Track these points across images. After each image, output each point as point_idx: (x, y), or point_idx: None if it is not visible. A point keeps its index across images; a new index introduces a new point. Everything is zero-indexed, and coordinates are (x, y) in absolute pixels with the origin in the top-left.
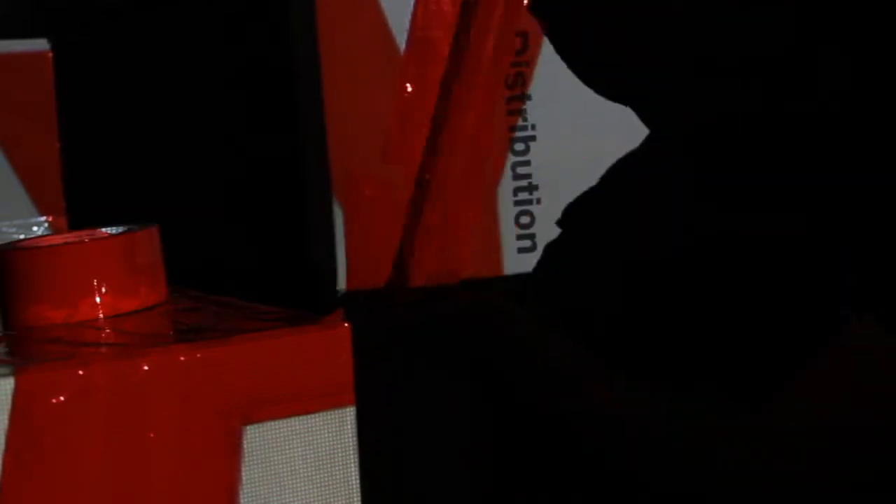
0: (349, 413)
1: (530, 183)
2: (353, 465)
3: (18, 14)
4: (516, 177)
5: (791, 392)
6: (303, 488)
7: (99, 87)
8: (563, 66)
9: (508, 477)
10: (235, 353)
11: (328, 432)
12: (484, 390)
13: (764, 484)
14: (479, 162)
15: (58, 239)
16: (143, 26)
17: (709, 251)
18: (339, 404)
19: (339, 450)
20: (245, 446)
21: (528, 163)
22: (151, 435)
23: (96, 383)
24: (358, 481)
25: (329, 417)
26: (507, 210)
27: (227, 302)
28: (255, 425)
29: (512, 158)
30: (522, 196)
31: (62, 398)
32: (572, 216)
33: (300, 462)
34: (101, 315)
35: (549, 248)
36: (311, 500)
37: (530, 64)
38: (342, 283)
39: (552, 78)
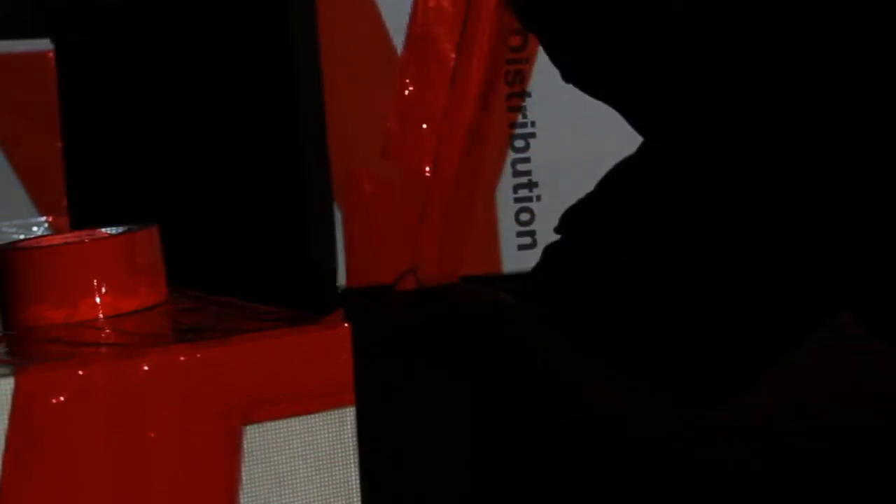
0: (349, 413)
1: (530, 180)
2: (353, 465)
3: (18, 14)
4: (516, 174)
5: (791, 392)
6: (303, 488)
7: (99, 87)
8: None
9: (508, 477)
10: (235, 353)
11: (328, 432)
12: (484, 390)
13: (763, 484)
14: (478, 159)
15: (58, 239)
16: (144, 26)
17: (709, 251)
18: (339, 404)
19: (339, 450)
20: (245, 446)
21: (527, 160)
22: (151, 435)
23: (96, 383)
24: (358, 481)
25: (329, 417)
26: (507, 207)
27: (227, 302)
28: (255, 425)
29: (512, 155)
30: (522, 193)
31: (62, 398)
32: (570, 221)
33: (300, 462)
34: (101, 315)
35: (549, 249)
36: (311, 500)
37: (529, 61)
38: (342, 279)
39: (552, 75)
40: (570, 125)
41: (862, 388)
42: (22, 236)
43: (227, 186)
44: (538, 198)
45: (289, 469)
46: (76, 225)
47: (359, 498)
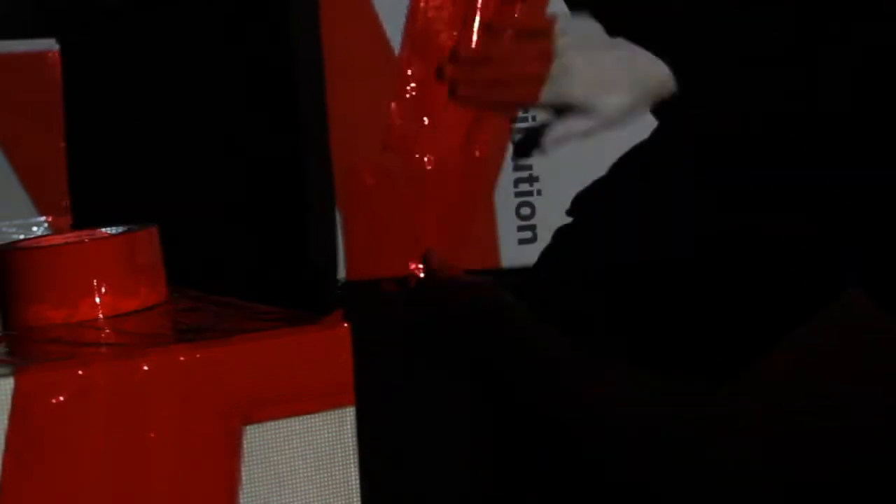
0: (349, 413)
1: (531, 174)
2: (352, 464)
3: (20, 14)
4: (517, 168)
5: (791, 392)
6: (303, 488)
7: (99, 86)
8: None
9: (508, 477)
10: (235, 353)
11: (328, 432)
12: (484, 390)
13: (761, 483)
14: (479, 153)
15: (58, 239)
16: (144, 26)
17: (709, 251)
18: (339, 404)
19: (339, 450)
20: (245, 446)
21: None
22: (151, 435)
23: (96, 383)
24: (358, 481)
25: (329, 417)
26: (507, 201)
27: (227, 302)
28: (255, 425)
29: (512, 150)
30: (523, 187)
31: (62, 398)
32: (579, 209)
33: (300, 462)
34: (100, 315)
35: (546, 252)
36: (311, 499)
37: None
38: (342, 273)
39: None
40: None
41: (862, 389)
42: (22, 236)
43: (227, 186)
44: (538, 192)
45: (289, 469)
46: (77, 224)
47: (359, 498)
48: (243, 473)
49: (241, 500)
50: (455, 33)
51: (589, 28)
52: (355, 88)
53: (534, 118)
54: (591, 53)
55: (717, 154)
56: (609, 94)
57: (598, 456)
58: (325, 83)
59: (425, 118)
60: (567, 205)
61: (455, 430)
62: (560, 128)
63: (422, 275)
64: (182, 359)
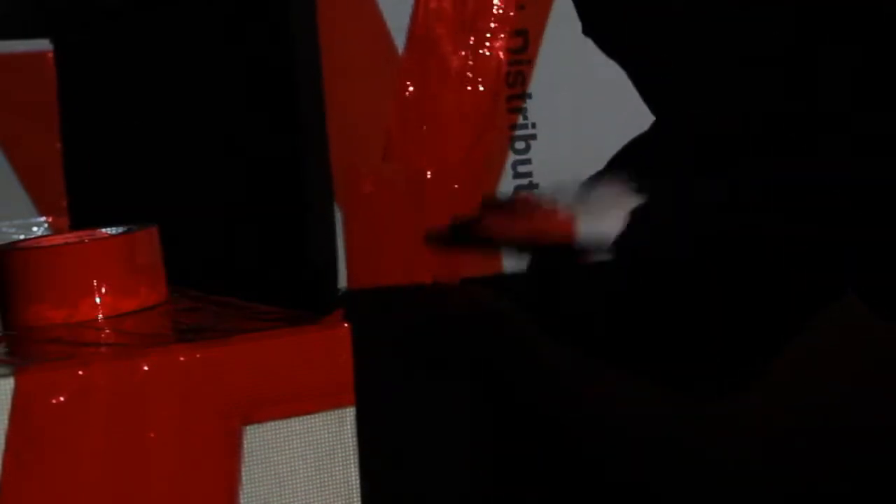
0: (349, 413)
1: (531, 181)
2: (352, 464)
3: (18, 14)
4: (517, 175)
5: (790, 392)
6: (303, 488)
7: (99, 86)
8: (563, 64)
9: (508, 477)
10: (235, 353)
11: (328, 432)
12: (484, 391)
13: (761, 483)
14: (479, 161)
15: (58, 239)
16: (144, 26)
17: (709, 251)
18: (339, 404)
19: (339, 450)
20: (245, 446)
21: (528, 161)
22: (151, 435)
23: (96, 383)
24: (358, 481)
25: (329, 417)
26: None
27: (227, 302)
28: (255, 425)
29: (512, 157)
30: None
31: (62, 398)
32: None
33: (300, 462)
34: (100, 315)
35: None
36: (311, 499)
37: (531, 62)
38: (343, 282)
39: (552, 76)
40: (570, 127)
41: (862, 389)
42: (22, 236)
43: (227, 186)
44: None
45: (289, 469)
46: (76, 225)
47: (359, 498)
48: (243, 473)
49: (241, 500)
50: (457, 35)
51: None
52: (356, 87)
53: (533, 125)
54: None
55: (717, 154)
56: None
57: (598, 456)
58: (322, 83)
59: (425, 126)
60: None
61: (455, 430)
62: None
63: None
64: (182, 359)
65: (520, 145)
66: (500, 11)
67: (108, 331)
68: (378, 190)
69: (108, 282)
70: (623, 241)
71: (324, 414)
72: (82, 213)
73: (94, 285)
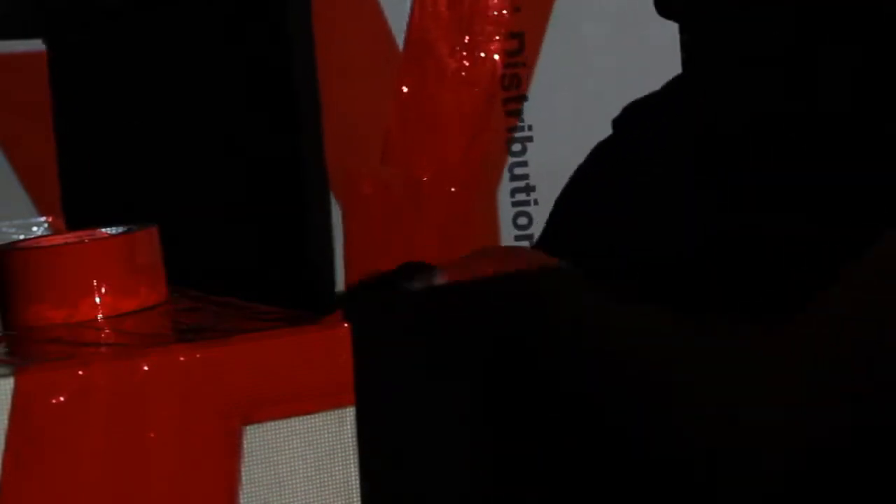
0: (349, 413)
1: (528, 184)
2: (352, 465)
3: (17, 14)
4: (513, 178)
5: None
6: (303, 488)
7: (98, 87)
8: (560, 66)
9: (508, 477)
10: (235, 353)
11: (328, 432)
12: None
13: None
14: (476, 163)
15: (58, 239)
16: (143, 26)
17: (709, 252)
18: (339, 404)
19: (339, 450)
20: (245, 446)
21: (525, 164)
22: (151, 435)
23: (96, 383)
24: (358, 481)
25: (329, 417)
26: (504, 211)
27: (227, 302)
28: (255, 425)
29: (509, 160)
30: (520, 197)
31: (62, 398)
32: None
33: (300, 462)
34: (100, 315)
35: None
36: (311, 500)
37: (527, 65)
38: (340, 284)
39: (549, 79)
40: (567, 129)
41: (864, 388)
42: (22, 236)
43: (227, 186)
44: (536, 202)
45: (289, 469)
46: (74, 225)
47: (359, 498)
48: (243, 473)
49: (241, 500)
50: (454, 37)
51: None
52: (354, 88)
53: (530, 127)
54: None
55: (717, 154)
56: None
57: (623, 422)
58: (319, 84)
59: (423, 128)
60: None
61: (455, 430)
62: None
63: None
64: (182, 359)
65: (516, 148)
66: (496, 14)
67: (108, 331)
68: (376, 192)
69: (108, 282)
70: (624, 244)
71: (324, 414)
72: (80, 214)
73: (94, 285)
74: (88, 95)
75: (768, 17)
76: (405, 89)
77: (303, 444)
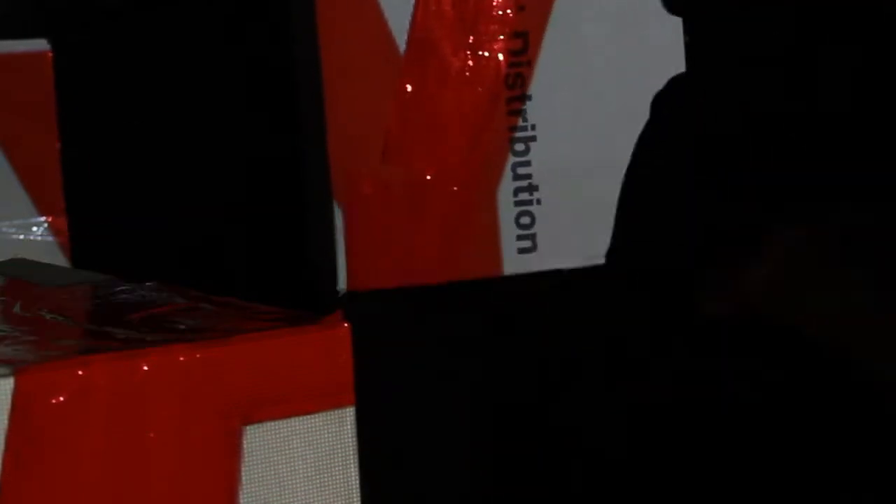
0: (349, 413)
1: (530, 183)
2: (353, 465)
3: (18, 14)
4: (516, 177)
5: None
6: (303, 488)
7: (98, 87)
8: (563, 66)
9: (508, 477)
10: (235, 353)
11: (328, 432)
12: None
13: None
14: (478, 163)
15: None
16: (143, 26)
17: (711, 251)
18: (339, 404)
19: (339, 450)
20: (245, 446)
21: (528, 163)
22: (151, 435)
23: (96, 383)
24: (358, 481)
25: (329, 417)
26: (507, 211)
27: (227, 302)
28: (255, 425)
29: (512, 159)
30: (522, 196)
31: (62, 398)
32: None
33: (300, 462)
34: None
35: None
36: (311, 500)
37: (530, 64)
38: (342, 284)
39: (552, 78)
40: (570, 128)
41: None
42: (22, 236)
43: (228, 186)
44: (538, 201)
45: (289, 469)
46: (76, 225)
47: (359, 498)
48: (243, 473)
49: (241, 501)
50: (457, 37)
51: None
52: (356, 88)
53: (533, 126)
54: None
55: (717, 154)
56: None
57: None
58: (322, 83)
59: (425, 127)
60: (568, 214)
61: (455, 430)
62: None
63: None
64: (182, 359)
65: (519, 147)
66: (501, 13)
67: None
68: (376, 192)
69: None
70: (624, 246)
71: (324, 414)
72: (81, 214)
73: None
74: (91, 95)
75: (768, 17)
76: (408, 88)
77: (303, 444)
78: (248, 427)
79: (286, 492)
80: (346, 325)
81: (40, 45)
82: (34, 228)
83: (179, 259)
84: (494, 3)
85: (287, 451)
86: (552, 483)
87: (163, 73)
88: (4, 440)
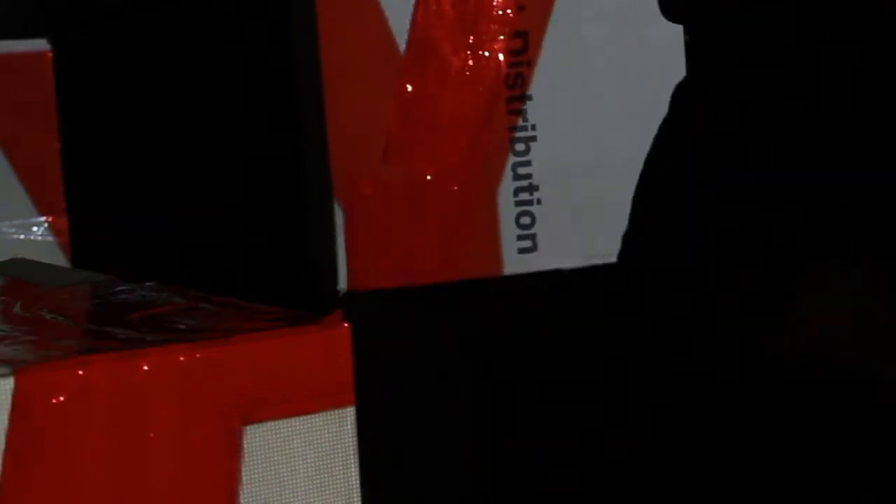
0: (349, 413)
1: (531, 183)
2: (353, 465)
3: (18, 14)
4: (517, 177)
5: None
6: (303, 488)
7: (99, 87)
8: (563, 65)
9: (508, 477)
10: (235, 353)
11: (328, 432)
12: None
13: None
14: (478, 163)
15: None
16: (144, 26)
17: (710, 253)
18: (339, 404)
19: (339, 450)
20: (245, 446)
21: (528, 163)
22: (151, 435)
23: (96, 383)
24: (358, 481)
25: (329, 417)
26: (507, 210)
27: (227, 302)
28: (255, 425)
29: (512, 159)
30: (523, 196)
31: (62, 398)
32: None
33: (300, 462)
34: None
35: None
36: (312, 499)
37: (531, 64)
38: (343, 284)
39: (552, 78)
40: (570, 128)
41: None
42: (22, 236)
43: (227, 186)
44: (538, 201)
45: (289, 469)
46: (76, 225)
47: (359, 498)
48: (243, 473)
49: (241, 500)
50: (457, 36)
51: None
52: (356, 88)
53: (533, 126)
54: None
55: (717, 154)
56: None
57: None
58: (322, 83)
59: (425, 127)
60: (568, 214)
61: (455, 430)
62: None
63: None
64: (182, 359)
65: (520, 147)
66: (501, 13)
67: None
68: (377, 191)
69: None
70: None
71: (324, 414)
72: (81, 215)
73: None
74: (91, 95)
75: (768, 17)
76: (408, 88)
77: (303, 444)
78: (248, 427)
79: (286, 492)
80: (346, 325)
81: (40, 45)
82: (34, 228)
83: (179, 259)
84: (494, 3)
85: (287, 451)
86: (552, 483)
87: (163, 73)
88: (4, 440)
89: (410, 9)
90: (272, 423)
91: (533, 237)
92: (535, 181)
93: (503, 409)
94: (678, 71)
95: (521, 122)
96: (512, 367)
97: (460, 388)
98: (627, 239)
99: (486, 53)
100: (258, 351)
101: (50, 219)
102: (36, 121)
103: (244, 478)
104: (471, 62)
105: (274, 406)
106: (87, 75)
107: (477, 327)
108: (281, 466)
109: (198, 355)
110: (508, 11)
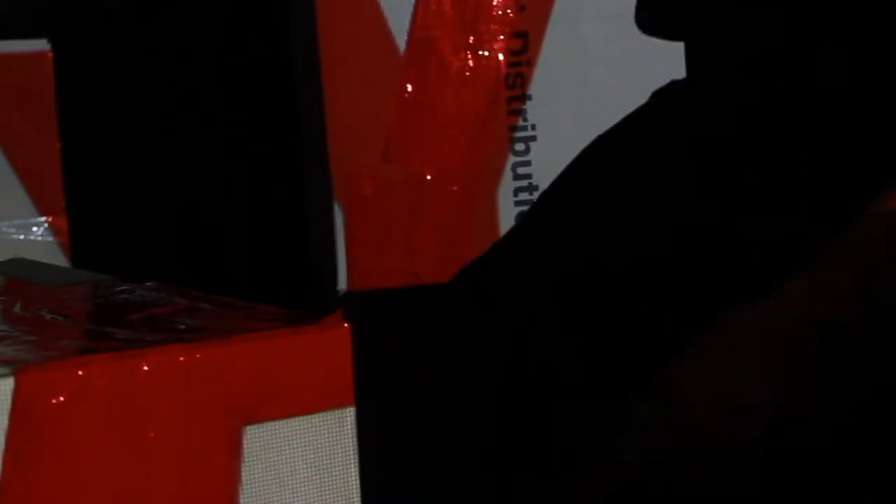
0: (349, 413)
1: (530, 183)
2: (353, 465)
3: (18, 14)
4: (516, 177)
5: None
6: (303, 488)
7: (99, 87)
8: (563, 66)
9: (508, 477)
10: (235, 353)
11: (328, 432)
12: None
13: None
14: (478, 163)
15: None
16: (143, 27)
17: (704, 251)
18: (339, 404)
19: (339, 450)
20: (245, 446)
21: (528, 163)
22: (151, 435)
23: (96, 383)
24: (358, 481)
25: (329, 417)
26: (507, 210)
27: (227, 302)
28: (255, 425)
29: (512, 159)
30: (523, 196)
31: (62, 398)
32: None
33: (300, 462)
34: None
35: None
36: (311, 499)
37: (530, 64)
38: (343, 284)
39: (552, 78)
40: (570, 128)
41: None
42: (22, 237)
43: (227, 186)
44: None
45: (289, 469)
46: (77, 226)
47: (359, 498)
48: (243, 473)
49: (241, 501)
50: (457, 36)
51: None
52: (356, 88)
53: (533, 126)
54: None
55: (717, 154)
56: None
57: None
58: (322, 83)
59: (425, 127)
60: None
61: (455, 430)
62: None
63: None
64: (182, 359)
65: (519, 147)
66: (501, 13)
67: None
68: (377, 191)
69: None
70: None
71: (324, 414)
72: (83, 214)
73: None
74: (91, 95)
75: (767, 18)
76: (408, 88)
77: (303, 444)
78: (248, 427)
79: (286, 492)
80: (346, 325)
81: (40, 45)
82: (34, 228)
83: (179, 259)
84: (494, 3)
85: (287, 451)
86: (552, 483)
87: (163, 73)
88: (4, 440)
89: (410, 9)
90: (272, 423)
91: None
92: (535, 181)
93: (503, 410)
94: (678, 71)
95: (521, 122)
96: (512, 367)
97: (460, 389)
98: (625, 238)
99: (486, 53)
100: (258, 351)
101: (50, 219)
102: (36, 121)
103: (244, 478)
104: (471, 62)
105: (274, 406)
106: (87, 75)
107: (477, 327)
108: (281, 466)
109: (198, 355)
110: (508, 11)
